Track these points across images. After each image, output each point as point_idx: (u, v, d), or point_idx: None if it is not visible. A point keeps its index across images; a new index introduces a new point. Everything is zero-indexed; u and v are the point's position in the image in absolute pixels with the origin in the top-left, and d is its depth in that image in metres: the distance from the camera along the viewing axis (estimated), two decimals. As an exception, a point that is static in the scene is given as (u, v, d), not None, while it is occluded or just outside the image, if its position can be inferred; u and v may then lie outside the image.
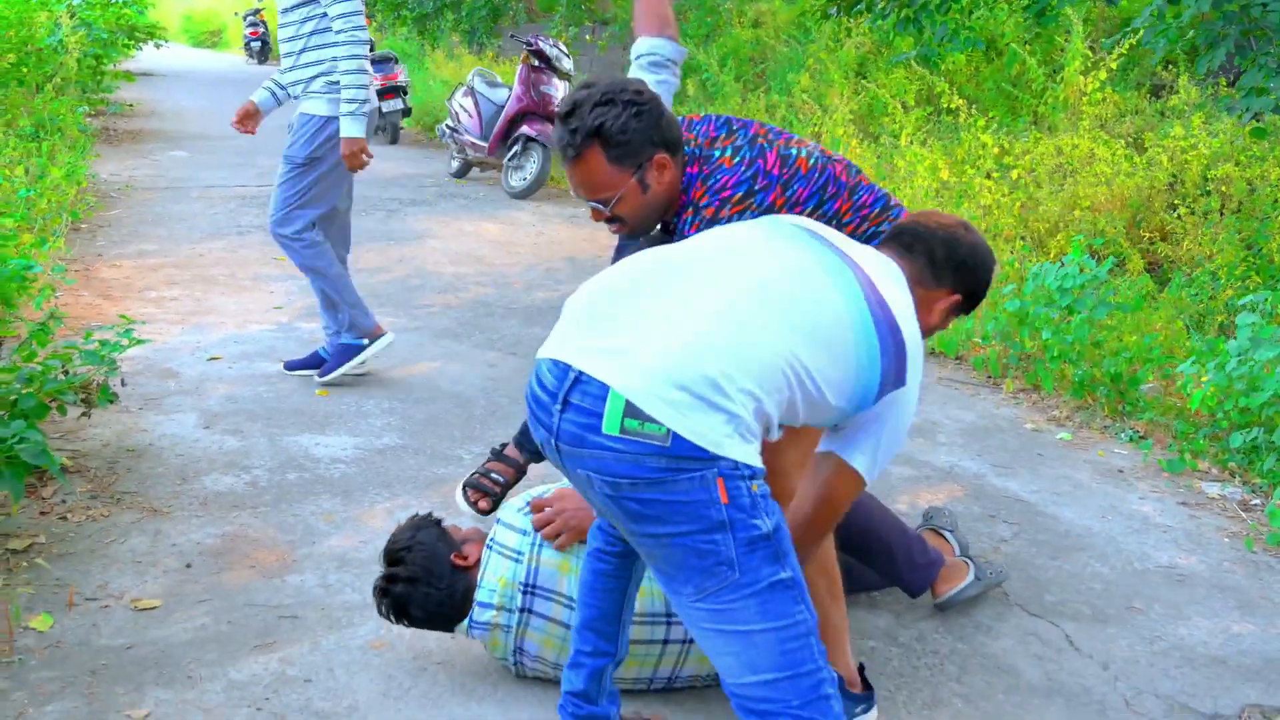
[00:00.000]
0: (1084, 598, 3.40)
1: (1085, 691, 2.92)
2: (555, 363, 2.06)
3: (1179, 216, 7.36)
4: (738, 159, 2.62)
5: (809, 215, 2.64)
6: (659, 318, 2.04)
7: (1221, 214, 7.39)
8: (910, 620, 3.22)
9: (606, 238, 4.45)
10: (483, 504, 3.41)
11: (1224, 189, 7.73)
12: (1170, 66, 10.11)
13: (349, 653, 2.95)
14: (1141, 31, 5.82)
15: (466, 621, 2.78)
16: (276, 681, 2.81)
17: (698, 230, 2.54)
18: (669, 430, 1.93)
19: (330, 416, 4.58)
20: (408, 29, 17.58)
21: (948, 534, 3.42)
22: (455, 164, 10.91)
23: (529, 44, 9.96)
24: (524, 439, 3.38)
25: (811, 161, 2.67)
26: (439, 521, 2.92)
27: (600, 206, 2.57)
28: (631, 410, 1.94)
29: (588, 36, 14.89)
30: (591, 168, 2.50)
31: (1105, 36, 9.09)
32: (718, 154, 2.63)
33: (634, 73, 3.09)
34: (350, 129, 4.56)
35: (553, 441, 2.06)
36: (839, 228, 2.68)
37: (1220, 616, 3.33)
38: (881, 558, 3.15)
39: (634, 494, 1.98)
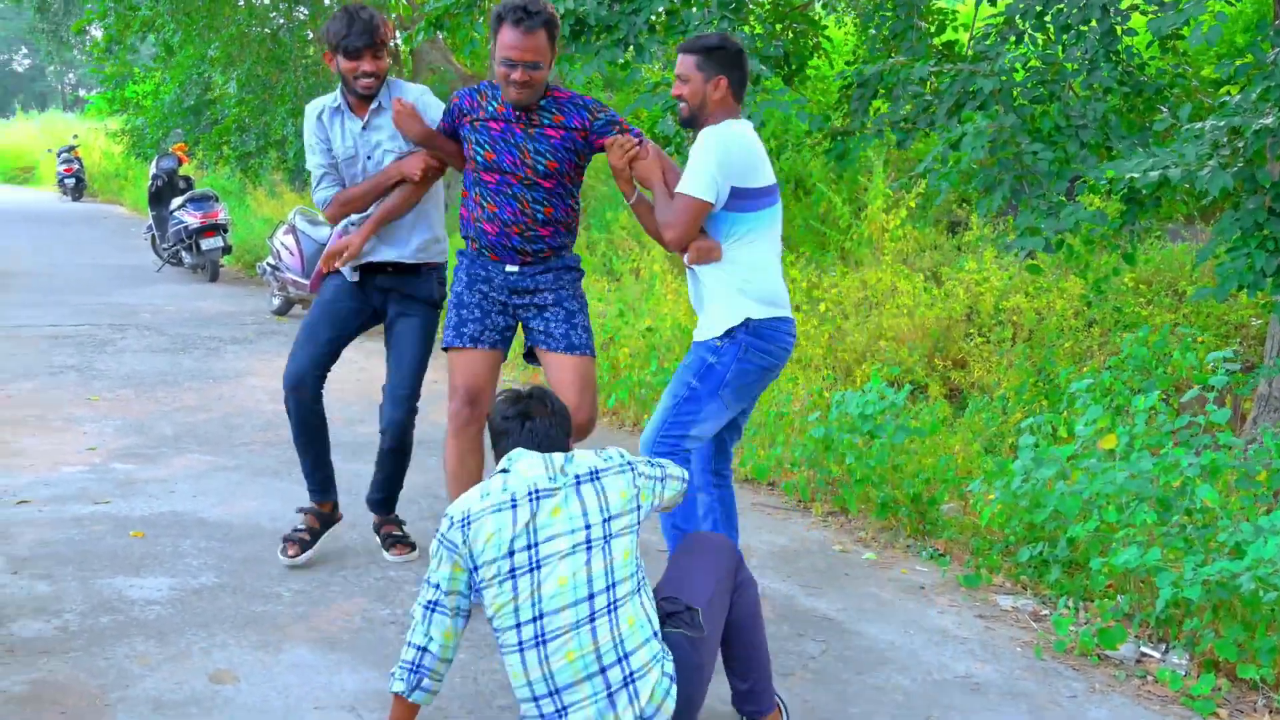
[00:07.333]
0: (886, 710, 3.57)
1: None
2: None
3: (976, 345, 7.84)
4: None
5: None
6: None
7: (1014, 342, 7.91)
8: (724, 738, 3.34)
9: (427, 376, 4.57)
10: (292, 550, 4.51)
11: (1015, 319, 8.28)
12: (964, 204, 10.82)
13: (163, 796, 2.92)
14: (928, 174, 6.27)
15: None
16: (86, 829, 2.77)
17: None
18: None
19: (146, 558, 4.52)
20: (230, 168, 17.52)
21: None
22: (276, 301, 10.89)
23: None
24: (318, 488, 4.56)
25: None
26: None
27: (532, 69, 3.79)
28: None
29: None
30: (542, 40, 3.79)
31: (905, 176, 9.70)
32: None
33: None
34: None
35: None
36: None
37: (1011, 721, 3.54)
38: (744, 659, 3.21)
39: None
